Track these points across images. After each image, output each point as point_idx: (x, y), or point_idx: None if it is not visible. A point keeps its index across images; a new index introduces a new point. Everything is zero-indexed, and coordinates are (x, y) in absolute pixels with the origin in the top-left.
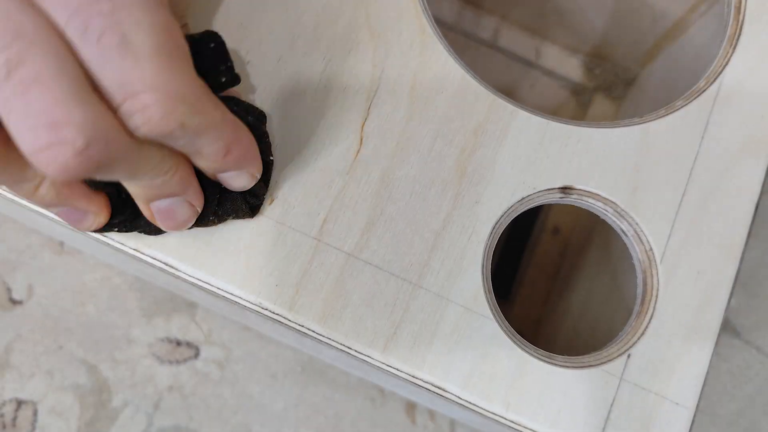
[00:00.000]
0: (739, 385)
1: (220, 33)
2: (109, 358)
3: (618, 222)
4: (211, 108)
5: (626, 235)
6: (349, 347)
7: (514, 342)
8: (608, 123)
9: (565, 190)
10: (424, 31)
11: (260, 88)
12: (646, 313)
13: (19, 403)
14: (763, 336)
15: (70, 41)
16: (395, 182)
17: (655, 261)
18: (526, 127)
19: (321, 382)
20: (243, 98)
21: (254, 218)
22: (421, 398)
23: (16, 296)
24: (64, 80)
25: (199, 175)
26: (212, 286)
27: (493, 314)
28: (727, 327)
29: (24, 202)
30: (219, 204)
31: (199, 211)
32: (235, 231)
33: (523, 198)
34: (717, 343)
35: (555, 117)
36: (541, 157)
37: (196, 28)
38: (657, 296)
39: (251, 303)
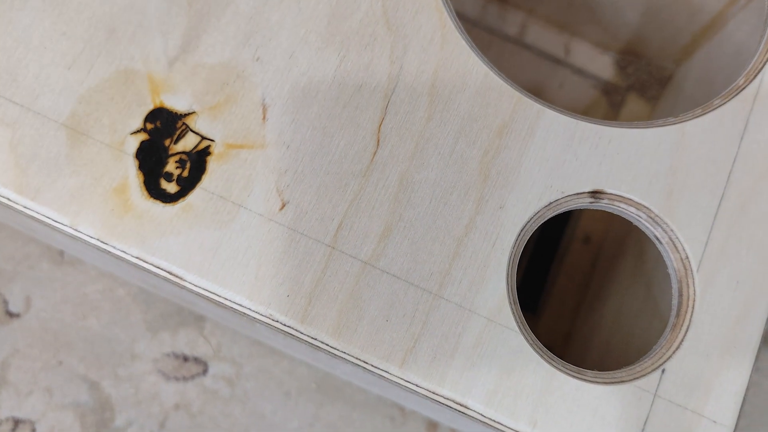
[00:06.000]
0: None
1: (228, 27)
2: (111, 375)
3: (652, 228)
4: None
5: (661, 242)
6: (365, 361)
7: (541, 356)
8: (642, 123)
9: (595, 194)
10: (445, 26)
11: (270, 86)
12: (682, 325)
13: (17, 422)
14: None
15: None
16: (414, 186)
17: (691, 270)
18: (554, 127)
19: (337, 400)
20: (249, 97)
21: (265, 224)
22: (443, 416)
23: (13, 309)
24: None
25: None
26: (220, 296)
27: (519, 326)
28: None
29: (21, 207)
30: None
31: None
32: (244, 238)
33: (550, 203)
34: (757, 358)
35: (585, 117)
36: (569, 159)
37: (203, 24)
38: (693, 307)
39: (261, 314)
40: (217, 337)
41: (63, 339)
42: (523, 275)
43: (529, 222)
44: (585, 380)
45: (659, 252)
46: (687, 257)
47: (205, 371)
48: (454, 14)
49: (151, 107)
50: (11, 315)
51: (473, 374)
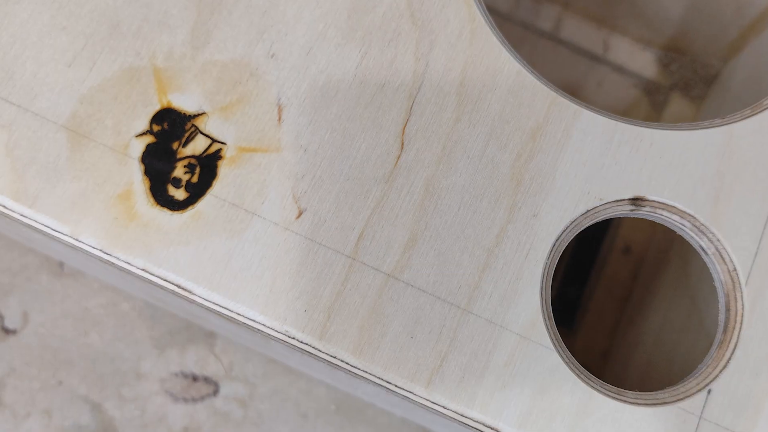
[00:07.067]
0: None
1: (241, 21)
2: (115, 396)
3: (697, 238)
4: None
5: (706, 253)
6: (388, 381)
7: (578, 375)
8: (686, 124)
9: (636, 201)
10: (475, 20)
11: (286, 85)
12: (730, 342)
13: None
14: None
15: None
16: (441, 192)
17: (739, 283)
18: (592, 129)
19: (358, 423)
20: (264, 97)
21: (280, 233)
22: None
23: (9, 324)
24: None
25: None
26: (231, 311)
27: (554, 344)
28: None
29: (18, 215)
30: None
31: None
32: (257, 248)
33: (588, 210)
34: None
35: (624, 118)
36: (608, 164)
37: (214, 19)
38: (742, 323)
39: (276, 331)
40: (228, 355)
41: (63, 357)
42: (558, 288)
43: (564, 231)
44: (625, 401)
45: (705, 263)
46: (735, 269)
47: (216, 392)
48: (485, 8)
49: (157, 108)
50: (7, 331)
51: (505, 395)
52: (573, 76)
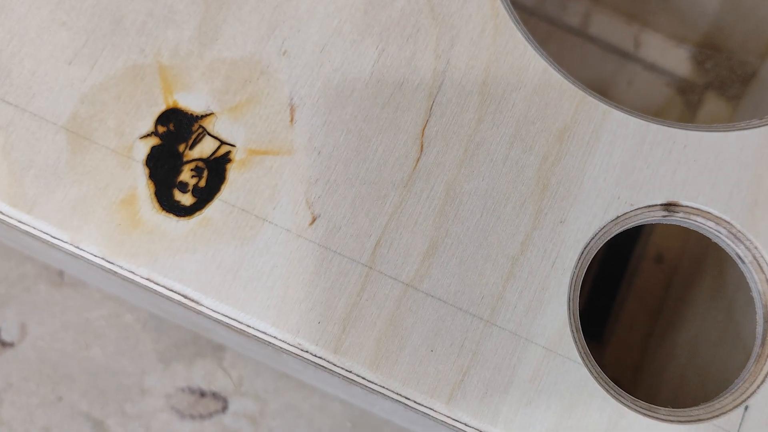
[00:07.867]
0: None
1: (251, 16)
2: (118, 412)
3: (733, 246)
4: None
5: (743, 261)
6: (406, 397)
7: (608, 391)
8: (722, 126)
9: (669, 207)
10: (498, 15)
11: (299, 84)
12: None
13: None
14: None
15: None
16: (463, 197)
17: None
18: (622, 131)
19: None
20: (275, 97)
21: (292, 241)
22: None
23: (6, 337)
24: None
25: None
26: (241, 323)
27: (582, 357)
28: None
29: (15, 222)
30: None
31: None
32: (269, 256)
33: (618, 216)
34: None
35: (657, 118)
36: (639, 167)
37: (222, 13)
38: None
39: (289, 344)
40: (238, 370)
41: (63, 371)
42: (586, 299)
43: (593, 238)
44: (657, 418)
45: (741, 272)
46: None
47: (224, 408)
48: (509, 2)
49: (163, 108)
50: (4, 344)
51: (530, 411)
52: (602, 74)
